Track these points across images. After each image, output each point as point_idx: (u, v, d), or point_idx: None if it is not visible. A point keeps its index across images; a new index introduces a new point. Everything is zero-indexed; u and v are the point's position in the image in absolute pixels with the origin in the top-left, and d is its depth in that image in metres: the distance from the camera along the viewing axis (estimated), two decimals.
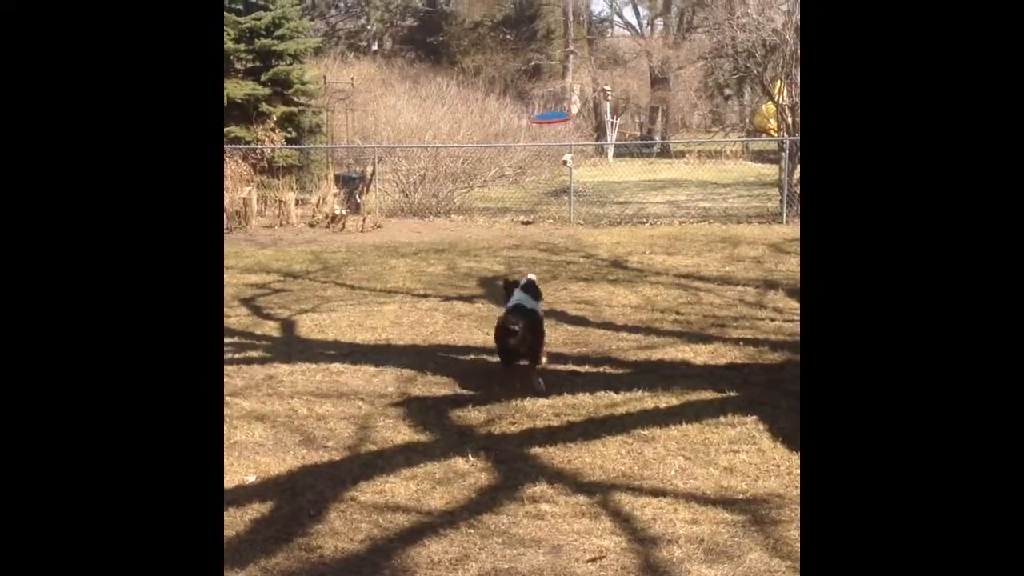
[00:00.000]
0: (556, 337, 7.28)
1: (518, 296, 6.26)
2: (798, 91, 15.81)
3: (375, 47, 42.22)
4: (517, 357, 5.99)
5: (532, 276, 6.63)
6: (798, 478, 4.37)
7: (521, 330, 5.80)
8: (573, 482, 4.36)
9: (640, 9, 43.50)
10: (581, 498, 4.18)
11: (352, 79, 23.62)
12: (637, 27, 42.89)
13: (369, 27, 43.52)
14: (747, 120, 30.49)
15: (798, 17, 15.25)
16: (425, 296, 9.02)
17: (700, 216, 15.63)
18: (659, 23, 42.43)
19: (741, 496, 4.19)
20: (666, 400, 5.56)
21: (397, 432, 5.13)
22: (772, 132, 20.08)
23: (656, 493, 4.22)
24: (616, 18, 45.46)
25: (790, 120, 15.63)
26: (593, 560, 3.60)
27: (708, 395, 5.66)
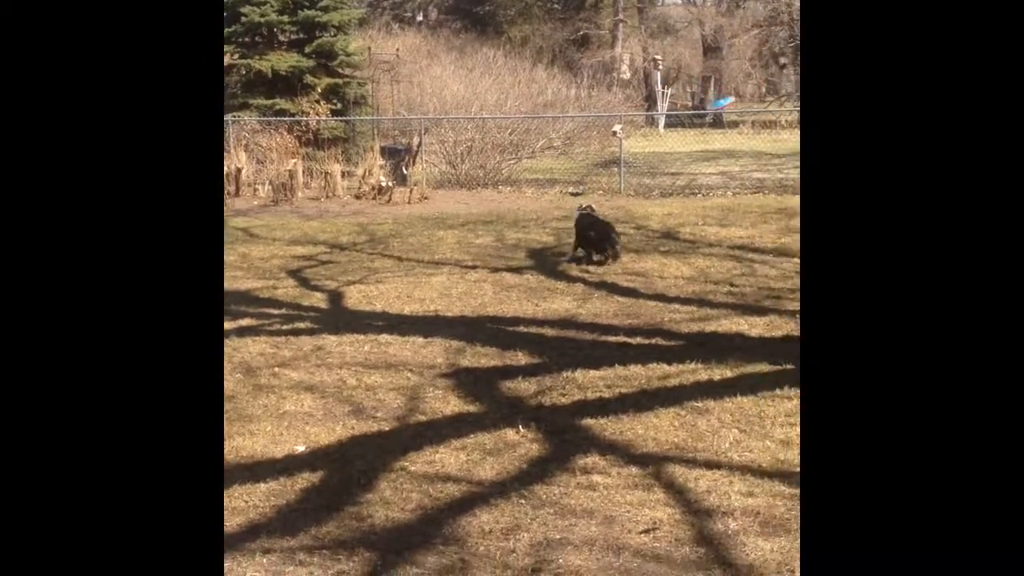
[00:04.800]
0: (607, 309, 7.18)
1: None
2: None
3: (420, 18, 42.09)
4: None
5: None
6: None
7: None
8: (625, 454, 4.29)
9: None
10: (634, 469, 4.10)
11: (397, 50, 23.52)
12: None
13: None
14: None
15: None
16: (473, 267, 8.97)
17: (754, 187, 15.35)
18: None
19: (798, 469, 4.08)
20: (720, 372, 5.44)
21: (447, 403, 5.08)
22: None
23: (710, 465, 4.13)
24: None
25: None
26: (646, 531, 3.53)
27: (763, 368, 5.53)
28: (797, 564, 3.27)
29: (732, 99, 14.59)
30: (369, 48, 21.54)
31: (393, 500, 3.85)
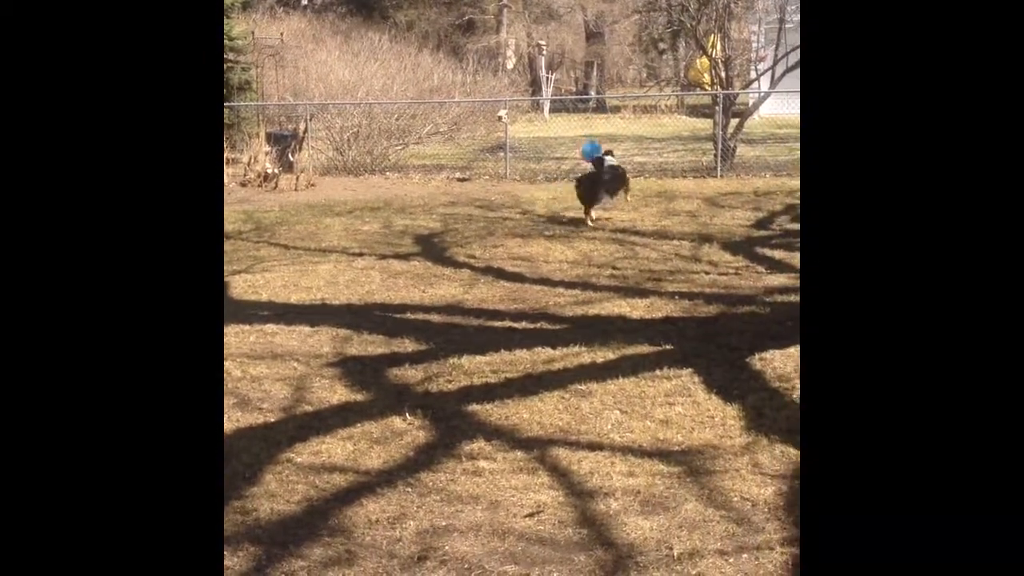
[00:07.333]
0: (493, 294, 7.26)
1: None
2: (731, 44, 15.84)
3: (305, 1, 41.25)
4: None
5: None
6: (732, 429, 4.43)
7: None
8: (511, 438, 4.36)
9: None
10: (519, 454, 4.18)
11: (282, 35, 23.01)
12: None
13: None
14: (682, 74, 30.47)
15: None
16: (361, 255, 8.92)
17: (636, 170, 15.60)
18: None
19: (677, 448, 4.24)
20: (603, 355, 5.58)
21: (333, 392, 5.07)
22: (706, 86, 20.12)
23: (593, 447, 4.24)
24: None
25: (723, 74, 15.67)
26: (531, 515, 3.61)
27: (644, 349, 5.69)
28: (675, 541, 3.40)
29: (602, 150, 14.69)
30: (253, 32, 21.00)
31: (278, 492, 3.84)
